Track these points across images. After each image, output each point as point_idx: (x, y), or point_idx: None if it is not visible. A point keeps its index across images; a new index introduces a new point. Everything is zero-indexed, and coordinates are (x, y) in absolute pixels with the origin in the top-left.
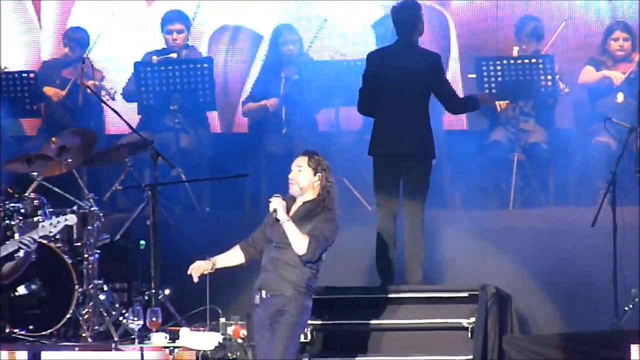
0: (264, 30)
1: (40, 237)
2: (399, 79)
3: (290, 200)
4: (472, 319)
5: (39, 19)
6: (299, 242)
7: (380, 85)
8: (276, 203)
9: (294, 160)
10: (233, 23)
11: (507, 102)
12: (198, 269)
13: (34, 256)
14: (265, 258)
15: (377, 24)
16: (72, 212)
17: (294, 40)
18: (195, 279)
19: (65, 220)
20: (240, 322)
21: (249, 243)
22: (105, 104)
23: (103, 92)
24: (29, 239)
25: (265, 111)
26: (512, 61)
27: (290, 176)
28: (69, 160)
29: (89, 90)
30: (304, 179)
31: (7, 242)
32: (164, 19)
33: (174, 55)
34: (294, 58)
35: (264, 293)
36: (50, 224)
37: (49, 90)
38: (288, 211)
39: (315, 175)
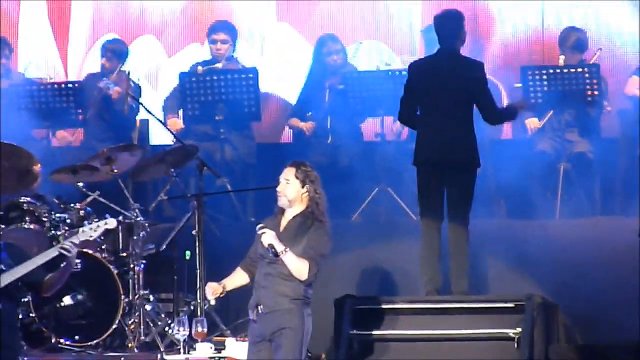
0: None
1: (81, 242)
2: (441, 88)
3: (279, 212)
4: (519, 329)
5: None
6: (300, 269)
7: (424, 95)
8: (269, 238)
9: (282, 171)
10: None
11: (537, 124)
12: (214, 290)
13: (77, 266)
14: (258, 274)
15: (427, 30)
16: (119, 222)
17: (338, 50)
18: (212, 300)
19: (106, 224)
20: None
21: (248, 262)
22: (152, 114)
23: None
24: (69, 243)
25: (314, 119)
26: (557, 70)
27: (278, 189)
28: (115, 170)
29: (127, 99)
30: (291, 191)
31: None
32: (210, 28)
33: (219, 65)
34: (338, 68)
35: (260, 309)
36: (91, 228)
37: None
38: (278, 226)
39: (303, 187)
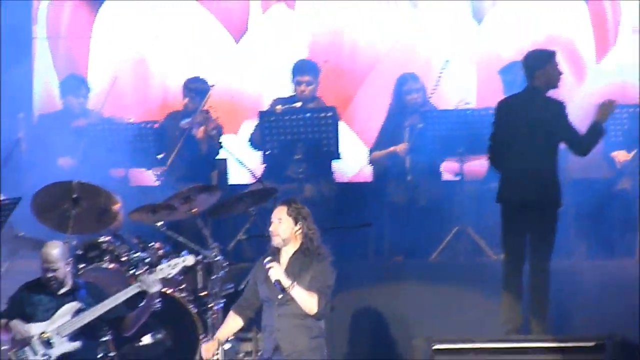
0: None
1: (160, 279)
2: (525, 127)
3: (275, 252)
4: None
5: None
6: (309, 303)
7: (509, 134)
8: (277, 273)
9: (274, 211)
10: None
11: (626, 156)
12: (209, 351)
13: (157, 304)
14: (268, 318)
15: (504, 70)
16: (197, 261)
17: (418, 88)
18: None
19: (184, 261)
20: None
21: (243, 305)
22: (230, 154)
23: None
24: (151, 278)
25: (393, 158)
26: (637, 109)
27: (271, 228)
28: (194, 210)
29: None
30: (285, 230)
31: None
32: (294, 68)
33: (299, 104)
34: (417, 107)
35: (282, 353)
36: (169, 265)
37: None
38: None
39: (296, 224)
